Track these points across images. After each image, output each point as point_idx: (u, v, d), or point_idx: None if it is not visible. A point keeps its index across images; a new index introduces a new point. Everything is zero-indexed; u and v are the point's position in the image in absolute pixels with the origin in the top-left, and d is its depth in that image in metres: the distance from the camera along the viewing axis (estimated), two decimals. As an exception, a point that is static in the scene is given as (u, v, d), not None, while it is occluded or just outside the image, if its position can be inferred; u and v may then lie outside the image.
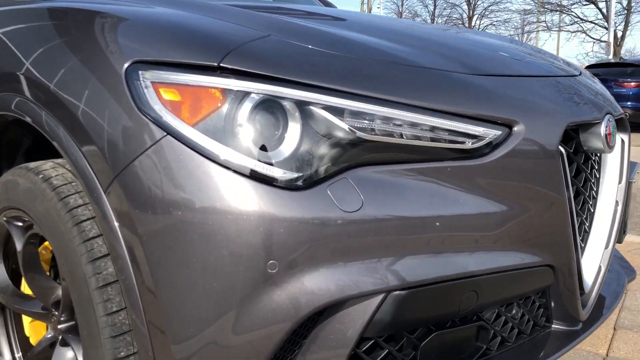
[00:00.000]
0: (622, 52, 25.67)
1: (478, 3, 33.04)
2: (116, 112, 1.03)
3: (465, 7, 33.52)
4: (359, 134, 1.02)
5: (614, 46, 21.77)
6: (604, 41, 23.95)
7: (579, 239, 1.29)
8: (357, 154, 1.03)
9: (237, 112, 0.98)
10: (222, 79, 0.99)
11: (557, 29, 29.10)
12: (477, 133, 1.12)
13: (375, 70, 1.13)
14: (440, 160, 1.09)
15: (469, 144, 1.11)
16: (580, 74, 1.57)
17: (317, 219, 0.95)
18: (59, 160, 1.27)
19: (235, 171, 0.95)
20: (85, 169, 1.07)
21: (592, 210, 1.45)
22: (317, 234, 0.95)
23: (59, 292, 1.31)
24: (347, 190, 0.98)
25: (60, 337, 1.32)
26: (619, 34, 24.46)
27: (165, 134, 0.97)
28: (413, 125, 1.06)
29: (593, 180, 1.42)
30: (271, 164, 0.97)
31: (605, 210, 1.46)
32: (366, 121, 1.03)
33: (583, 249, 1.43)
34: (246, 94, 0.99)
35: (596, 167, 1.45)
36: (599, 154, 1.46)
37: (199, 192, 0.94)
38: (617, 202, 1.47)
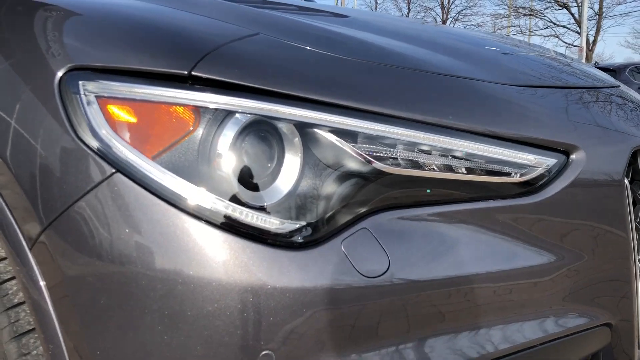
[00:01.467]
0: (593, 57, 25.95)
1: (452, 7, 33.15)
2: (47, 138, 0.74)
3: (439, 10, 33.59)
4: (380, 165, 0.76)
5: (586, 51, 21.99)
6: (577, 46, 24.16)
7: None
8: (377, 194, 0.76)
9: (215, 139, 0.71)
10: (195, 92, 0.71)
11: (529, 33, 29.29)
12: (526, 162, 0.86)
13: (394, 81, 0.86)
14: (482, 199, 0.83)
15: (516, 177, 0.85)
16: (620, 85, 1.33)
17: (328, 289, 0.68)
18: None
19: (211, 223, 0.68)
20: (5, 218, 0.78)
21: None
22: (329, 312, 0.67)
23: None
24: (368, 245, 0.72)
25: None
26: (591, 39, 24.70)
27: (115, 170, 0.69)
28: (447, 152, 0.80)
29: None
30: (263, 209, 0.70)
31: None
32: (388, 148, 0.77)
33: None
34: (228, 114, 0.72)
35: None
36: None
37: (160, 253, 0.67)
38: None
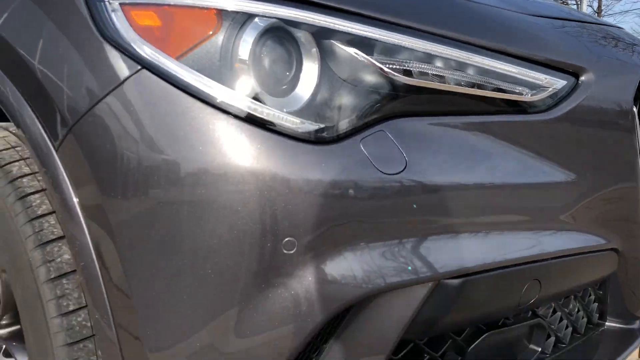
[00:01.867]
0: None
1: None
2: (74, 43, 0.77)
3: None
4: (398, 76, 0.77)
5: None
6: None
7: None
8: (394, 102, 0.78)
9: (236, 42, 0.73)
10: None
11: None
12: (539, 82, 0.88)
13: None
14: (495, 114, 0.85)
15: (528, 95, 0.87)
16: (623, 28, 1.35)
17: (348, 181, 0.70)
18: (1, 124, 1.00)
19: (236, 117, 0.69)
20: (32, 123, 0.80)
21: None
22: (348, 202, 0.70)
23: None
24: (386, 145, 0.74)
25: (4, 347, 1.05)
26: (590, 36, 24.68)
27: (140, 67, 0.71)
28: (462, 66, 0.82)
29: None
30: (283, 111, 0.72)
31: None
32: (406, 60, 0.79)
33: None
34: (248, 18, 0.73)
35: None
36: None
37: (187, 144, 0.69)
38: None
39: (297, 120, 0.72)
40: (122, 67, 0.72)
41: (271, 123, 0.70)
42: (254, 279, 0.68)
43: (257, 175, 0.68)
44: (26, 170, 0.88)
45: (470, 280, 0.78)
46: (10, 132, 0.96)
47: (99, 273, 0.76)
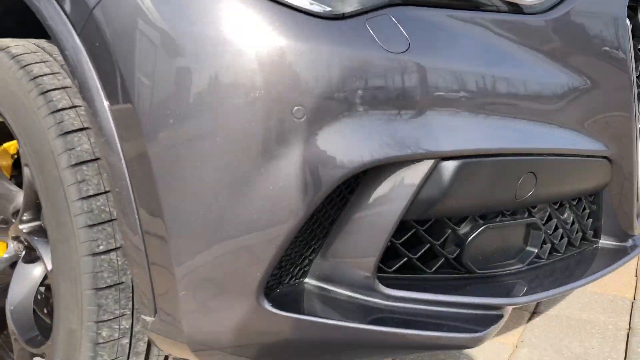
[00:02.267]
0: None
1: None
2: None
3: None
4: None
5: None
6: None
7: (638, 131, 1.11)
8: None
9: None
10: None
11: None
12: (534, -14, 0.92)
13: None
14: (495, 12, 0.89)
15: (525, -1, 0.92)
16: None
17: (353, 55, 0.74)
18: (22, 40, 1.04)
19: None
20: (54, 16, 0.84)
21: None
22: (355, 74, 0.74)
23: (20, 198, 1.08)
24: (390, 28, 0.78)
25: (23, 253, 1.10)
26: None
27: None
28: None
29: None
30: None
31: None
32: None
33: None
34: None
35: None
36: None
37: (203, 17, 0.73)
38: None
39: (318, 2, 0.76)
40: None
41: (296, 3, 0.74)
42: (268, 146, 0.72)
43: (271, 47, 0.72)
44: (46, 70, 0.93)
45: (468, 163, 0.83)
46: (31, 43, 1.01)
47: (122, 155, 0.80)
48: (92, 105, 0.81)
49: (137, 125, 0.76)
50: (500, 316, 0.90)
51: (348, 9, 0.76)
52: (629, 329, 1.55)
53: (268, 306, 0.78)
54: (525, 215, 1.01)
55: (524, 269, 1.01)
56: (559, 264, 1.09)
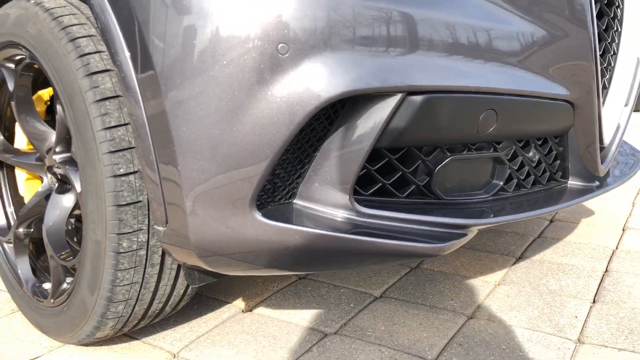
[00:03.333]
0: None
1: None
2: None
3: None
4: None
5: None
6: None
7: (600, 82, 1.23)
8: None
9: None
10: None
11: None
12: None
13: None
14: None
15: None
16: None
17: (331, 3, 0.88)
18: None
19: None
20: None
21: (612, 64, 1.38)
22: (332, 16, 0.87)
23: (53, 138, 1.24)
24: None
25: (56, 185, 1.27)
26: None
27: None
28: None
29: (615, 29, 1.35)
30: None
31: (625, 66, 1.39)
32: None
33: (604, 101, 1.37)
34: None
35: (618, 18, 1.38)
36: (620, 5, 1.39)
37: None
38: (638, 59, 1.40)
39: None
40: None
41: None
42: (258, 78, 0.87)
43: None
44: (75, 21, 1.08)
45: (432, 98, 0.96)
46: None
47: (139, 94, 0.95)
48: (112, 48, 0.96)
49: (151, 66, 0.91)
50: (463, 235, 1.04)
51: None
52: (605, 271, 1.68)
53: (259, 217, 0.94)
54: (491, 150, 1.14)
55: (489, 198, 1.15)
56: (525, 197, 1.22)
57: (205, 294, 1.56)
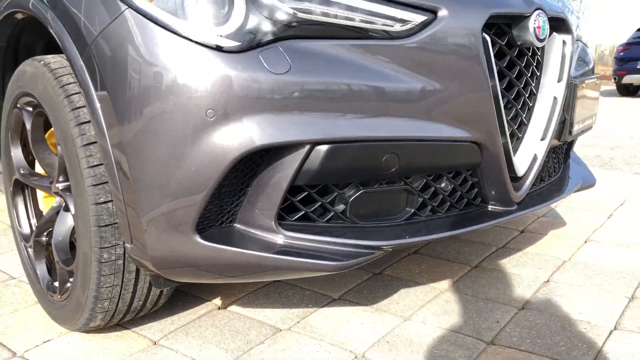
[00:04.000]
0: None
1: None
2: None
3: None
4: (302, 12, 1.19)
5: None
6: None
7: (506, 124, 1.44)
8: (292, 30, 1.20)
9: (187, -7, 1.18)
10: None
11: None
12: (405, 17, 1.28)
13: None
14: (370, 38, 1.26)
15: (397, 27, 1.27)
16: None
17: (248, 74, 1.14)
18: (59, 55, 1.50)
19: (186, 38, 1.15)
20: (70, 47, 1.29)
21: (530, 104, 1.59)
22: (250, 88, 1.14)
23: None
24: (277, 56, 1.17)
25: (63, 205, 1.58)
26: None
27: (126, 7, 1.18)
28: (349, 8, 1.23)
29: (529, 75, 1.55)
30: (218, 35, 1.16)
31: (543, 105, 1.59)
32: (302, 2, 1.21)
33: (520, 138, 1.58)
34: None
35: (534, 64, 1.58)
36: (540, 53, 1.60)
37: (156, 56, 1.15)
38: (555, 98, 1.60)
39: (224, 39, 1.16)
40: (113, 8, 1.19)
41: (206, 41, 1.15)
42: (193, 135, 1.14)
43: (198, 72, 1.13)
44: (71, 80, 1.38)
45: (336, 147, 1.21)
46: (64, 58, 1.46)
47: (104, 127, 1.24)
48: (89, 104, 1.26)
49: (115, 122, 1.21)
50: (371, 253, 1.29)
51: (246, 45, 1.16)
52: (546, 281, 1.88)
53: (199, 239, 1.22)
54: (401, 183, 1.38)
55: (402, 222, 1.39)
56: (443, 220, 1.46)
57: (191, 292, 1.86)
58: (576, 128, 1.75)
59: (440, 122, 1.33)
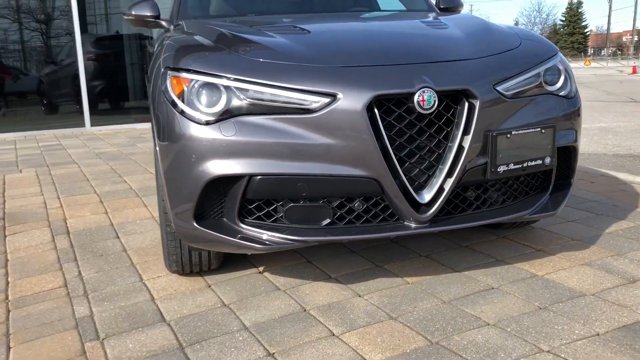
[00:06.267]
0: None
1: None
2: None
3: None
4: (248, 100, 2.10)
5: None
6: None
7: (398, 167, 2.09)
8: (244, 110, 2.11)
9: (192, 91, 2.16)
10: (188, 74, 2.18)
11: None
12: (313, 100, 2.07)
13: (261, 66, 2.16)
14: (291, 114, 2.09)
15: (312, 105, 2.07)
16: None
17: (211, 138, 2.08)
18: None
19: (186, 116, 2.15)
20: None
21: (439, 151, 2.17)
22: (213, 145, 2.08)
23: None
24: (230, 126, 2.09)
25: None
26: None
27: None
28: (276, 96, 2.09)
29: (434, 131, 2.15)
30: (204, 114, 2.12)
31: (453, 151, 2.16)
32: (251, 93, 2.10)
33: (431, 175, 2.18)
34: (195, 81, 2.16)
35: (440, 122, 2.16)
36: (451, 113, 2.16)
37: (173, 128, 2.17)
38: (462, 147, 2.15)
39: (205, 118, 2.12)
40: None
41: (201, 119, 2.12)
42: (186, 167, 2.13)
43: (185, 135, 2.12)
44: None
45: (263, 178, 2.08)
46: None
47: (161, 170, 2.31)
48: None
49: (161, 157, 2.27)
50: (292, 245, 2.12)
51: (211, 119, 2.10)
52: (408, 283, 2.39)
53: (196, 224, 2.20)
54: (320, 202, 2.16)
55: (323, 227, 2.17)
56: (354, 228, 2.18)
57: (248, 259, 2.85)
58: (504, 169, 2.23)
59: (341, 164, 2.07)
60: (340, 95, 2.06)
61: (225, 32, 2.53)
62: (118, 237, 3.34)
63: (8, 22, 8.95)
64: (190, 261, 2.54)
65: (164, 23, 3.28)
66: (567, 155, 2.54)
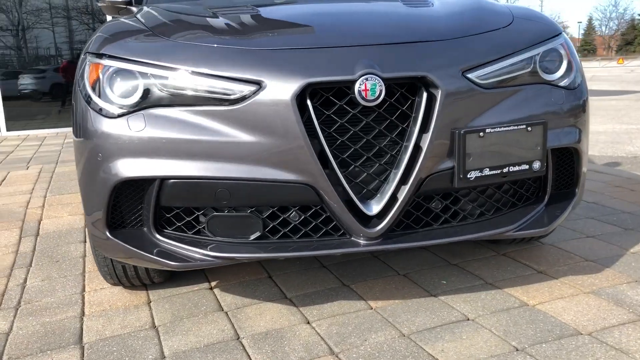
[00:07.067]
0: None
1: None
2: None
3: None
4: (166, 89, 1.77)
5: None
6: None
7: (338, 171, 1.71)
8: (164, 101, 1.77)
9: (106, 80, 1.85)
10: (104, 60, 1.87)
11: None
12: (238, 89, 1.72)
13: (182, 49, 1.83)
14: (211, 105, 1.74)
15: (233, 95, 1.72)
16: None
17: (120, 132, 1.76)
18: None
19: (96, 110, 1.84)
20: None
21: (392, 153, 1.77)
22: (119, 142, 1.76)
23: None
24: (138, 119, 1.76)
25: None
26: None
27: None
28: (197, 84, 1.74)
29: (384, 127, 1.75)
30: (116, 105, 1.81)
31: (407, 153, 1.75)
32: (170, 80, 1.77)
33: (385, 182, 1.79)
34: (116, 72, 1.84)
35: (392, 118, 1.76)
36: (408, 106, 1.76)
37: (83, 122, 1.87)
38: (419, 147, 1.74)
39: (118, 111, 1.81)
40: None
41: (109, 111, 1.81)
42: (94, 165, 1.82)
43: (93, 130, 1.81)
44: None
45: (177, 182, 1.74)
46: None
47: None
48: (76, 146, 2.06)
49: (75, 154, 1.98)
50: (213, 262, 1.78)
51: (118, 112, 1.78)
52: (370, 308, 1.97)
53: (109, 234, 1.89)
54: (247, 211, 1.80)
55: (252, 242, 1.82)
56: (290, 243, 1.81)
57: (204, 272, 2.53)
58: (476, 175, 1.81)
59: (269, 167, 1.71)
60: (265, 83, 1.70)
61: (173, 16, 2.21)
62: (84, 241, 3.10)
63: (76, 23, 9.61)
64: (125, 274, 2.24)
65: (133, 9, 2.99)
66: (568, 159, 2.08)
